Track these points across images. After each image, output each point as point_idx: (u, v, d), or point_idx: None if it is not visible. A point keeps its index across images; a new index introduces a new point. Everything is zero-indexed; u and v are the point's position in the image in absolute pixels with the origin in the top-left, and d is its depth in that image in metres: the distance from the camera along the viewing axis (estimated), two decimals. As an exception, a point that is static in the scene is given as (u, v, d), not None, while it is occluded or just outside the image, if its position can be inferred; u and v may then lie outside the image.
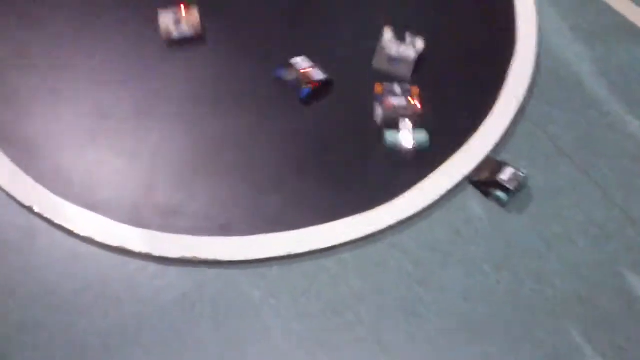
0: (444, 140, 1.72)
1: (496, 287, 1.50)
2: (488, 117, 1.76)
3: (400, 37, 1.76)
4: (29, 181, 1.61)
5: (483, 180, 1.64)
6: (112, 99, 1.77)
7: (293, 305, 1.46)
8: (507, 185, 1.60)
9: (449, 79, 1.84)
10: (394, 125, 1.63)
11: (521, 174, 1.63)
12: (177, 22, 1.81)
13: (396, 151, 1.61)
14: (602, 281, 1.52)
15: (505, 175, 1.62)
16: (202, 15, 1.89)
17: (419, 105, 1.66)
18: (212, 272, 1.50)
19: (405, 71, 1.75)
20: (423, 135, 1.63)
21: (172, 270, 1.50)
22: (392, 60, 1.71)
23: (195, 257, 1.50)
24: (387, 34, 1.72)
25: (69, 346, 1.38)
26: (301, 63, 1.79)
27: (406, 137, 1.58)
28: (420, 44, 1.76)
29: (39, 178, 1.62)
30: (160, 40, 1.87)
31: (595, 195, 1.66)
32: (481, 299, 1.48)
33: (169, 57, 1.85)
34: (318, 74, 1.77)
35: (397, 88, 1.68)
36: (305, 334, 1.42)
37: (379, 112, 1.64)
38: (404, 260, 1.53)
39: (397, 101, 1.66)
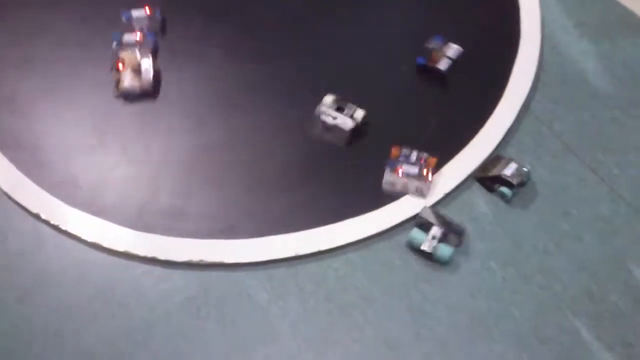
0: (449, 137, 1.72)
1: (503, 283, 1.50)
2: (492, 114, 1.76)
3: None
4: (34, 188, 1.62)
5: (488, 176, 1.64)
6: (118, 103, 1.77)
7: (301, 306, 1.46)
8: (511, 181, 1.60)
9: (452, 74, 1.83)
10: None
11: (525, 169, 1.62)
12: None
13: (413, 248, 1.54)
14: (610, 276, 1.51)
15: (509, 170, 1.62)
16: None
17: (430, 178, 1.62)
18: (218, 274, 1.50)
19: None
20: (447, 251, 1.51)
21: (178, 273, 1.50)
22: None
23: (201, 260, 1.50)
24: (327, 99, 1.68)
25: (79, 353, 1.39)
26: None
27: (431, 243, 1.51)
28: (359, 113, 1.69)
29: (44, 185, 1.63)
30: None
31: (602, 190, 1.65)
32: (488, 296, 1.48)
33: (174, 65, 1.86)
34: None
35: (414, 155, 1.64)
36: (313, 335, 1.42)
37: (387, 178, 1.62)
38: (410, 259, 1.53)
39: (409, 169, 1.62)
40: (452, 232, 1.54)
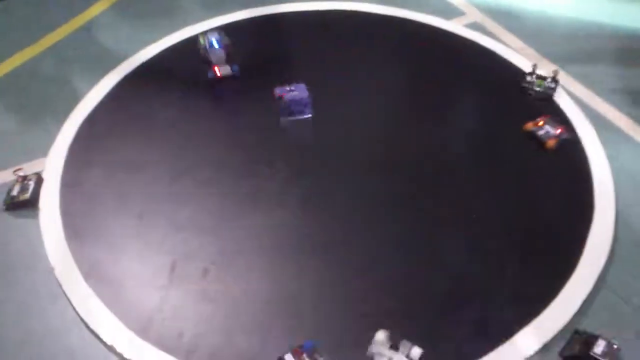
0: (521, 303, 1.70)
1: None
2: (567, 285, 1.75)
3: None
4: (112, 319, 1.67)
5: (576, 354, 1.58)
6: (197, 243, 1.85)
7: None
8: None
9: (527, 243, 1.86)
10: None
11: (615, 346, 1.57)
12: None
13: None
14: None
15: (599, 348, 1.56)
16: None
17: None
18: None
19: None
20: None
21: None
22: None
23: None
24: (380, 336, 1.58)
25: None
26: None
27: None
28: (416, 352, 1.57)
29: (122, 317, 1.67)
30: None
31: (687, 374, 1.58)
32: None
33: (254, 211, 1.95)
34: None
35: None
36: None
37: None
38: None
39: None
40: None
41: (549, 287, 1.74)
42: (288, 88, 2.21)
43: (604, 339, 1.58)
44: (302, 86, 2.22)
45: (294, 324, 1.66)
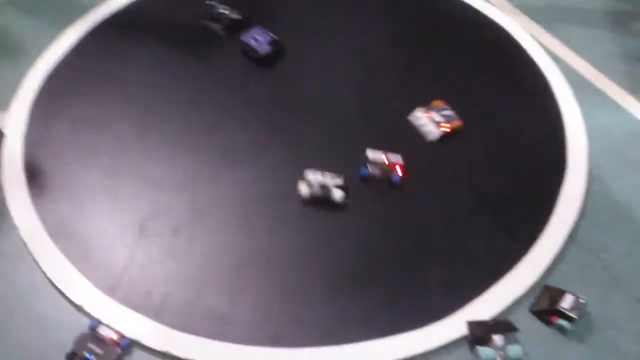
0: (495, 262, 1.71)
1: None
2: (537, 241, 1.76)
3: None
4: (80, 279, 1.64)
5: (544, 309, 1.61)
6: (167, 201, 1.82)
7: None
8: (571, 314, 1.57)
9: (497, 200, 1.86)
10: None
11: (582, 301, 1.59)
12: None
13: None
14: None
15: (567, 303, 1.59)
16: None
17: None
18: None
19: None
20: (518, 350, 1.52)
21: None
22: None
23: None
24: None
25: None
26: (375, 154, 1.88)
27: (501, 354, 1.50)
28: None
29: (91, 276, 1.64)
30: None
31: (652, 327, 1.61)
32: None
33: (226, 167, 1.92)
34: (397, 158, 1.88)
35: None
36: None
37: None
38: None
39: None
40: (508, 331, 1.54)
41: (521, 243, 1.76)
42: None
43: (572, 293, 1.61)
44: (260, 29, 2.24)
45: (266, 281, 1.65)
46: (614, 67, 2.30)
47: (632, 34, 2.45)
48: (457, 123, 2.02)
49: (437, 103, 2.07)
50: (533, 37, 2.38)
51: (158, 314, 1.58)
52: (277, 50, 2.22)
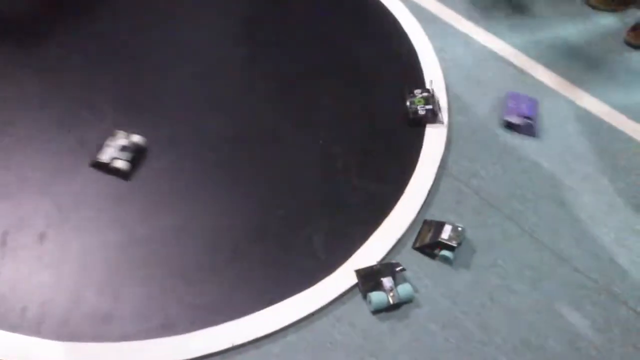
0: (371, 206, 1.74)
1: (445, 345, 1.50)
2: (410, 179, 1.80)
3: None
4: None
5: (426, 244, 1.66)
6: (27, 208, 1.69)
7: (244, 399, 1.40)
8: (451, 244, 1.62)
9: (367, 146, 1.88)
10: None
11: (460, 228, 1.66)
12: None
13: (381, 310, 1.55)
14: (545, 323, 1.55)
15: (446, 233, 1.64)
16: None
17: None
18: (155, 377, 1.42)
19: None
20: (408, 289, 1.56)
21: (112, 382, 1.41)
22: None
23: (135, 364, 1.42)
24: None
25: None
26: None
27: (393, 293, 1.54)
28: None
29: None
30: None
31: (525, 240, 1.71)
32: (432, 358, 1.47)
33: (85, 161, 1.80)
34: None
35: None
36: None
37: None
38: (351, 334, 1.50)
39: None
40: (395, 271, 1.58)
41: (395, 184, 1.79)
42: None
43: (450, 223, 1.67)
44: None
45: (145, 273, 1.59)
46: (460, 2, 2.38)
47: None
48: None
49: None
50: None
51: (39, 329, 1.48)
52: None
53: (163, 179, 1.78)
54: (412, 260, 1.65)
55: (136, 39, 2.13)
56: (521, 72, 2.16)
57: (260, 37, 2.18)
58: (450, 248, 1.63)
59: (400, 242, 1.68)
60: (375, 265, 1.61)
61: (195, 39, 2.15)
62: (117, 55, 2.07)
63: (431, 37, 2.21)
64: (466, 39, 2.24)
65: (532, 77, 2.14)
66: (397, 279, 1.58)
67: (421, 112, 1.92)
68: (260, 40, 2.17)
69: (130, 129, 1.83)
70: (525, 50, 2.23)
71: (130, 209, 1.71)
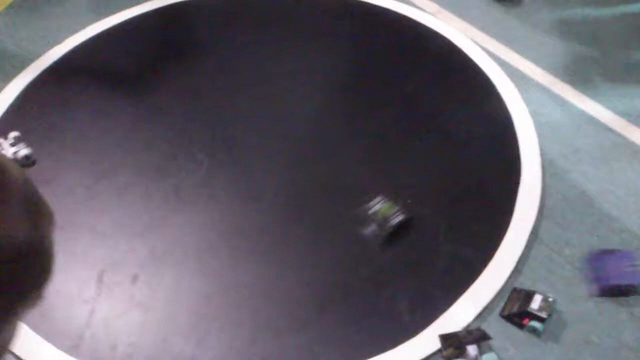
0: (461, 269, 1.70)
1: None
2: (500, 245, 1.76)
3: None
4: (39, 341, 1.58)
5: (514, 312, 1.59)
6: (123, 250, 1.77)
7: None
8: (540, 315, 1.56)
9: (456, 208, 1.85)
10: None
11: (550, 299, 1.59)
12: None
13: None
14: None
15: (536, 303, 1.58)
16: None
17: None
18: None
19: None
20: (492, 358, 1.51)
21: None
22: None
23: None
24: None
25: None
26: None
27: None
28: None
29: (51, 338, 1.59)
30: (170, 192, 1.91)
31: (623, 317, 1.61)
32: None
33: (180, 209, 1.88)
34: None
35: None
36: None
37: None
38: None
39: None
40: (480, 340, 1.52)
41: (484, 249, 1.75)
42: None
43: (540, 293, 1.60)
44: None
45: (231, 321, 1.61)
46: (556, 65, 2.34)
47: (570, 34, 2.50)
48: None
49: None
50: (475, 42, 2.40)
51: (125, 368, 1.53)
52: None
53: (252, 231, 1.82)
54: (498, 329, 1.59)
55: (234, 98, 2.22)
56: (620, 137, 2.07)
57: (357, 98, 2.22)
58: (540, 319, 1.56)
59: (487, 309, 1.63)
60: (460, 332, 1.56)
61: (288, 100, 2.22)
62: (211, 111, 2.17)
63: (526, 100, 2.18)
64: (564, 104, 2.18)
65: (634, 144, 2.05)
66: (482, 347, 1.53)
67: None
68: (358, 101, 2.20)
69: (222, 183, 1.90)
70: (625, 115, 2.14)
71: (220, 258, 1.75)
